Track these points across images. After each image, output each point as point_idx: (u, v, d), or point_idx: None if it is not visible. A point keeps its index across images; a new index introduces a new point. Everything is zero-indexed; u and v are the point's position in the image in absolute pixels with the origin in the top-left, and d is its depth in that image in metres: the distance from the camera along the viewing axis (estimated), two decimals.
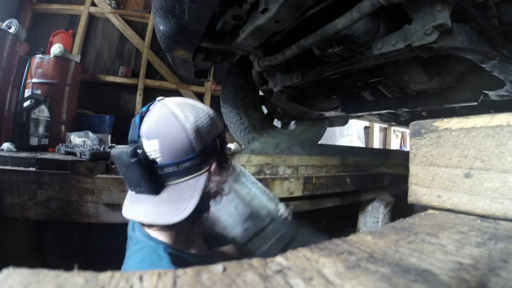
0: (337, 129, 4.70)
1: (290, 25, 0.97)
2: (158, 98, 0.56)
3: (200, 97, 3.59)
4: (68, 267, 0.20)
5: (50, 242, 1.40)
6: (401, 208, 1.90)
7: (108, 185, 1.17)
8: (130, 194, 0.56)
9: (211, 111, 0.57)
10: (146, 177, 0.51)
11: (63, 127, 2.54)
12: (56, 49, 2.52)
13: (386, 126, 5.83)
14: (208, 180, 0.55)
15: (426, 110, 1.80)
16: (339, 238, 0.28)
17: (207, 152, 0.54)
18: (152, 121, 0.53)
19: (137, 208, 0.54)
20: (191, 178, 0.53)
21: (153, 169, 0.51)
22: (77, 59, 2.84)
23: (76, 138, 2.14)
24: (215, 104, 3.34)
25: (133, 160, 0.49)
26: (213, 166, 0.56)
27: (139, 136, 0.53)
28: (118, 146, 0.51)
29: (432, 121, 0.43)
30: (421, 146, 0.44)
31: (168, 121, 0.52)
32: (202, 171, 0.54)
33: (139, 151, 0.50)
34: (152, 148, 0.51)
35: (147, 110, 0.54)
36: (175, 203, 0.52)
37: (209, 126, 0.55)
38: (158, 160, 0.51)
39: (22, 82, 2.31)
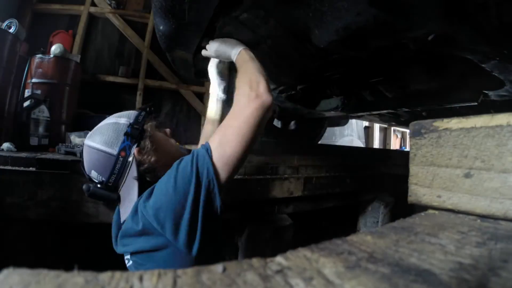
0: (337, 129, 4.70)
1: None
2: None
3: (200, 97, 3.59)
4: (68, 267, 0.20)
5: (50, 242, 1.40)
6: (401, 208, 1.90)
7: None
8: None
9: (112, 119, 0.72)
10: (106, 195, 0.69)
11: (63, 127, 2.53)
12: (56, 49, 2.52)
13: (386, 126, 5.83)
14: (138, 164, 0.70)
15: (426, 110, 1.80)
16: (339, 238, 0.28)
17: (124, 147, 0.68)
18: (84, 160, 0.71)
19: (121, 213, 0.71)
20: (127, 173, 0.69)
21: (106, 187, 0.69)
22: (77, 59, 2.84)
23: (76, 138, 2.14)
24: None
25: (89, 192, 0.69)
26: (136, 152, 0.69)
27: (88, 175, 0.71)
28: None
29: (432, 121, 0.43)
30: (421, 146, 0.44)
31: (88, 153, 0.70)
32: (131, 162, 0.69)
33: (90, 184, 0.70)
34: (95, 176, 0.70)
35: (82, 156, 0.72)
36: (128, 197, 0.69)
37: (113, 130, 0.69)
38: (103, 179, 0.69)
39: (22, 82, 2.31)
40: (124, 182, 0.69)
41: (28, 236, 1.33)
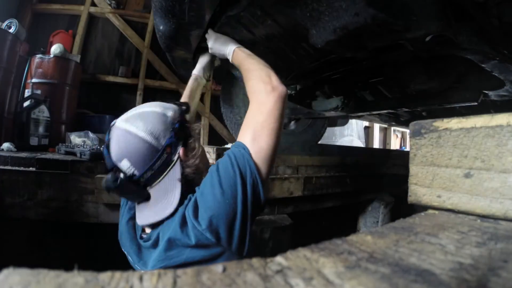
0: (337, 129, 4.70)
1: None
2: (111, 124, 0.63)
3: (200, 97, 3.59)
4: (68, 267, 0.20)
5: (50, 242, 1.40)
6: (401, 208, 1.90)
7: None
8: (136, 206, 0.66)
9: (158, 108, 0.63)
10: (133, 190, 0.61)
11: (63, 127, 2.54)
12: (56, 49, 2.52)
13: (386, 126, 5.83)
14: (183, 166, 0.63)
15: (426, 110, 1.80)
16: (339, 238, 0.28)
17: (170, 143, 0.61)
18: (115, 145, 0.60)
19: (141, 214, 0.63)
20: (167, 172, 0.61)
21: (135, 181, 0.60)
22: (77, 59, 2.84)
23: (76, 138, 2.14)
24: (215, 104, 3.34)
25: (116, 184, 0.58)
26: (181, 152, 0.63)
27: (113, 163, 0.60)
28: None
29: (432, 121, 0.43)
30: (421, 146, 0.44)
31: (125, 139, 0.59)
32: (174, 161, 0.62)
33: (118, 174, 0.58)
34: (125, 167, 0.59)
35: (109, 139, 0.61)
36: (164, 199, 0.61)
37: (161, 122, 0.61)
38: (135, 173, 0.59)
39: (22, 82, 2.31)
40: (159, 181, 0.61)
41: (28, 236, 1.33)
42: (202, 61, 1.07)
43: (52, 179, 1.19)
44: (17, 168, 1.22)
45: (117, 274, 0.20)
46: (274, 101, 0.61)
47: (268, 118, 0.60)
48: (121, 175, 0.58)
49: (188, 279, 0.20)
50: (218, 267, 0.21)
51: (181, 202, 0.60)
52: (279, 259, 0.23)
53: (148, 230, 0.66)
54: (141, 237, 0.66)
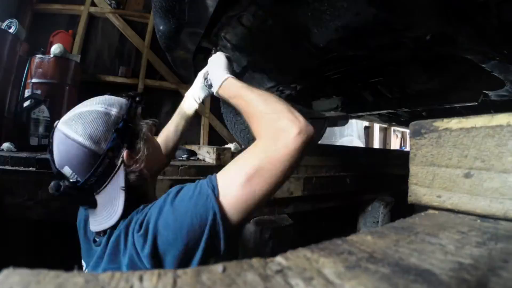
0: (337, 129, 4.70)
1: None
2: (55, 124, 0.59)
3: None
4: (68, 267, 0.20)
5: (50, 242, 1.40)
6: (401, 208, 1.90)
7: None
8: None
9: (100, 106, 0.58)
10: (79, 197, 0.58)
11: None
12: (56, 49, 2.52)
13: (386, 126, 5.83)
14: (126, 172, 0.58)
15: (426, 110, 1.80)
16: (339, 238, 0.28)
17: (112, 147, 0.57)
18: (55, 151, 0.57)
19: (91, 220, 0.60)
20: (112, 178, 0.57)
21: (80, 188, 0.56)
22: (77, 59, 2.84)
23: None
24: (215, 104, 3.34)
25: (60, 191, 0.55)
26: (125, 156, 0.58)
27: (56, 169, 0.57)
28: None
29: (432, 121, 0.43)
30: (421, 146, 0.44)
31: (64, 144, 0.55)
32: (118, 166, 0.57)
33: (61, 182, 0.55)
34: (68, 173, 0.56)
35: (51, 142, 0.58)
36: (108, 207, 0.57)
37: (102, 123, 0.56)
38: (78, 179, 0.56)
39: (22, 82, 2.31)
40: (104, 188, 0.57)
41: (28, 236, 1.33)
42: (196, 93, 0.90)
43: (52, 179, 1.19)
44: (17, 168, 1.22)
45: (117, 274, 0.20)
46: (300, 144, 0.48)
47: (286, 160, 0.48)
48: (65, 182, 0.55)
49: (188, 279, 0.20)
50: (218, 267, 0.21)
51: (128, 210, 0.55)
52: (279, 259, 0.23)
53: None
54: (94, 241, 0.61)
